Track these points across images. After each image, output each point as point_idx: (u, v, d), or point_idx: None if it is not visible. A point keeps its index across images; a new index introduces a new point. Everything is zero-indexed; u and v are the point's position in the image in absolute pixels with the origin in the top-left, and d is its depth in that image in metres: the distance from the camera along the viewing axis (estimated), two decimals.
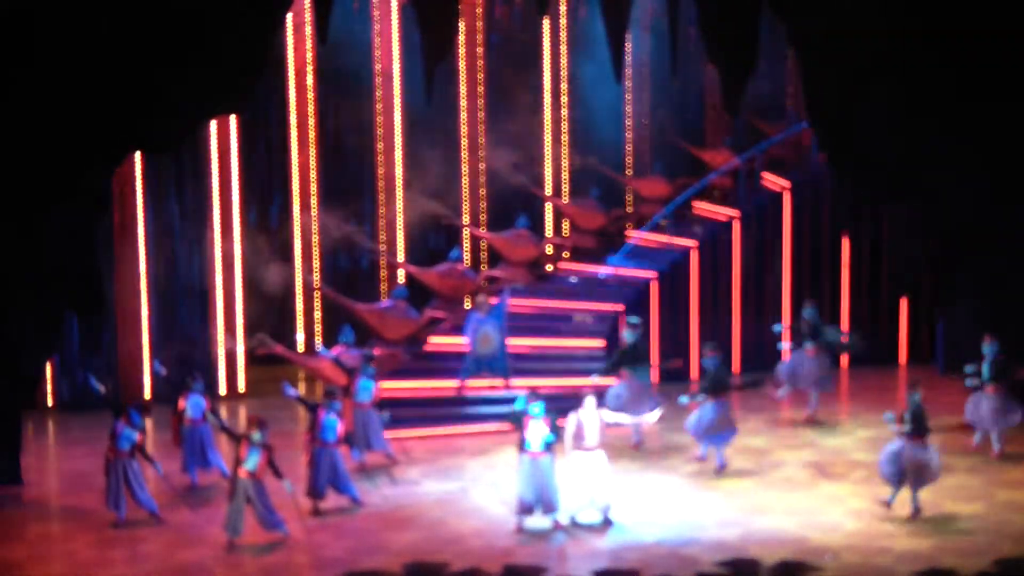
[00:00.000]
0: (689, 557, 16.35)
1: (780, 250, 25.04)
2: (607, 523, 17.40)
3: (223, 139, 23.46)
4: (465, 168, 26.04)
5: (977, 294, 21.10)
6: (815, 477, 19.34)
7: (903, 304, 25.41)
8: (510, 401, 21.46)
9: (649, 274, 24.35)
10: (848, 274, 25.27)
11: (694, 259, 24.60)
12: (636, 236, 25.19)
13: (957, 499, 18.26)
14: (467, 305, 23.90)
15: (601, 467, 17.48)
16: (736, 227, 24.88)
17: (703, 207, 25.62)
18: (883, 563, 16.12)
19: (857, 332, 23.01)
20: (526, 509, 17.17)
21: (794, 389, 22.00)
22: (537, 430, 17.26)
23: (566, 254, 26.43)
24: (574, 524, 17.25)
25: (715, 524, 17.49)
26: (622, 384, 20.49)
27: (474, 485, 19.21)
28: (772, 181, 25.57)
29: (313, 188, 25.24)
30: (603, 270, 24.73)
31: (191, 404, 19.45)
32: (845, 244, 25.14)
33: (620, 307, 23.82)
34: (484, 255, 26.16)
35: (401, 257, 25.39)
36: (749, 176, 25.78)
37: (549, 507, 17.18)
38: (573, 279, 25.11)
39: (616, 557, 16.47)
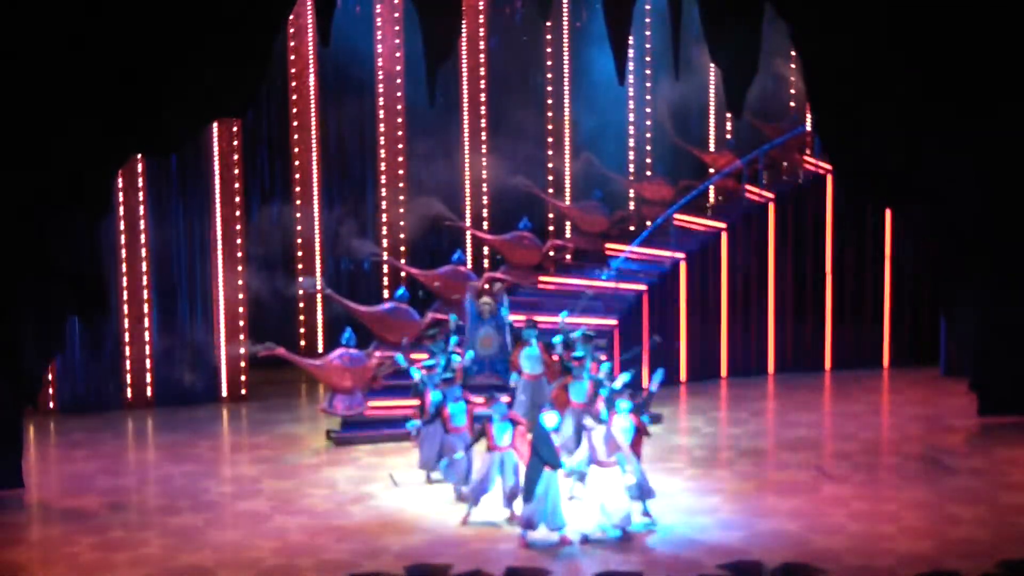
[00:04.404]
0: (692, 560, 16.33)
1: (766, 260, 25.08)
2: (626, 537, 17.11)
3: (225, 141, 23.45)
4: (467, 170, 26.01)
5: (980, 296, 21.07)
6: (817, 479, 19.33)
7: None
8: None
9: (639, 287, 24.31)
10: (831, 281, 25.27)
11: (683, 271, 24.58)
12: (624, 251, 24.98)
13: (960, 501, 18.25)
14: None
15: (616, 483, 17.15)
16: (724, 238, 24.91)
17: (685, 220, 25.44)
18: (886, 565, 16.10)
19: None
20: (532, 524, 17.00)
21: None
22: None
23: (567, 256, 26.42)
24: (585, 541, 17.10)
25: (717, 526, 17.47)
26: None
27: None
28: (756, 193, 25.56)
29: (315, 190, 25.22)
30: (593, 284, 24.57)
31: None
32: (828, 252, 25.24)
33: (614, 321, 23.74)
34: (486, 257, 26.13)
35: (402, 259, 25.35)
36: (735, 189, 25.84)
37: (555, 523, 17.00)
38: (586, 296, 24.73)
39: (618, 560, 16.44)
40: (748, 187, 25.63)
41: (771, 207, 25.16)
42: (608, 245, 25.79)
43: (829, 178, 25.19)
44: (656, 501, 17.87)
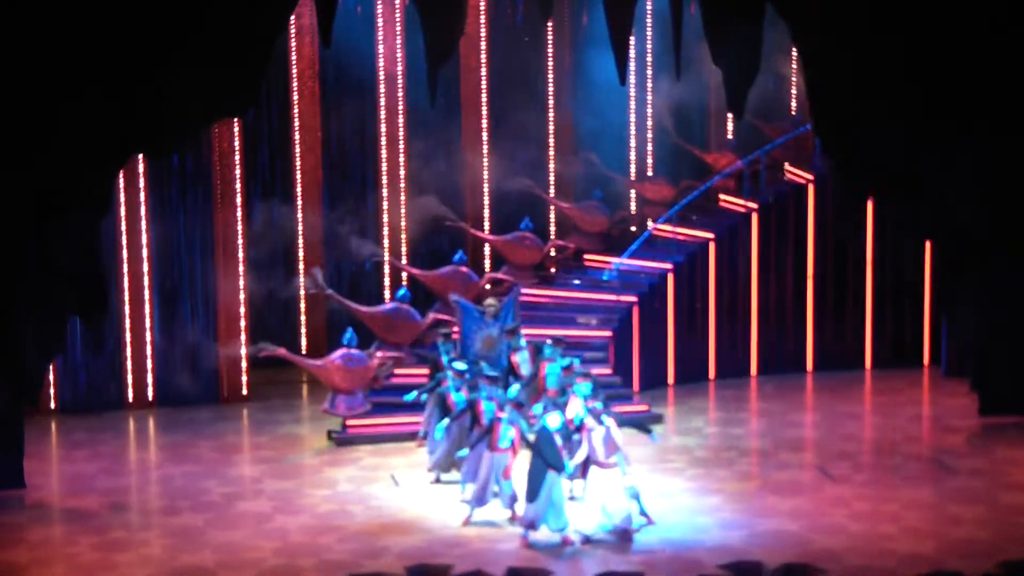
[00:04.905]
0: (692, 560, 16.32)
1: (798, 246, 25.23)
2: (626, 537, 17.06)
3: (226, 141, 23.45)
4: (468, 170, 26.01)
5: (980, 296, 21.06)
6: (818, 479, 19.32)
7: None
8: None
9: (665, 266, 24.35)
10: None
11: (712, 253, 24.68)
12: (653, 227, 25.00)
13: (960, 502, 18.24)
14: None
15: (617, 484, 17.09)
16: (755, 220, 24.98)
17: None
18: (886, 566, 16.10)
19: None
20: (533, 524, 17.02)
21: None
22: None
23: (568, 256, 26.43)
24: (586, 541, 17.07)
25: (718, 526, 17.47)
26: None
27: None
28: (796, 174, 25.59)
29: (316, 190, 25.22)
30: (616, 262, 24.61)
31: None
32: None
33: (634, 298, 23.79)
34: (488, 258, 26.13)
35: (404, 259, 25.35)
36: (771, 168, 25.83)
37: (558, 523, 16.99)
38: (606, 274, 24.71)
39: (618, 560, 16.44)
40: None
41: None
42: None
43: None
44: (656, 501, 17.86)
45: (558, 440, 17.11)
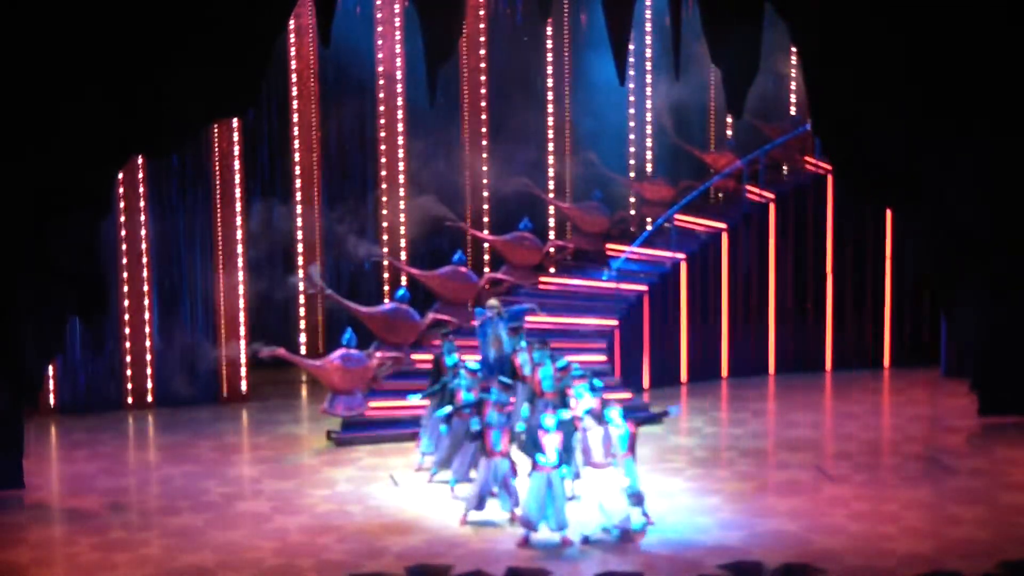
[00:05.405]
0: (692, 560, 16.34)
1: (767, 260, 25.11)
2: (626, 537, 17.08)
3: (226, 141, 23.44)
4: (467, 171, 26.00)
5: (980, 296, 21.06)
6: (818, 479, 19.33)
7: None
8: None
9: (640, 288, 24.31)
10: (832, 281, 25.28)
11: (683, 271, 24.54)
12: (625, 252, 24.93)
13: (960, 502, 18.25)
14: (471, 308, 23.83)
15: (614, 484, 17.11)
16: (724, 238, 24.92)
17: (686, 221, 25.31)
18: (886, 566, 16.11)
19: None
20: (532, 524, 17.03)
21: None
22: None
23: (568, 256, 26.41)
24: (585, 541, 17.09)
25: (717, 527, 17.48)
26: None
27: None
28: (757, 193, 25.54)
29: (315, 190, 25.22)
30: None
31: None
32: (829, 251, 25.25)
33: (614, 321, 23.74)
34: (487, 258, 26.12)
35: (403, 259, 25.33)
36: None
37: (559, 523, 17.00)
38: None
39: (618, 560, 16.44)
40: (748, 187, 25.64)
41: (771, 207, 25.16)
42: (609, 245, 25.79)
43: (829, 178, 25.20)
44: (656, 501, 17.87)
45: (556, 439, 17.07)
